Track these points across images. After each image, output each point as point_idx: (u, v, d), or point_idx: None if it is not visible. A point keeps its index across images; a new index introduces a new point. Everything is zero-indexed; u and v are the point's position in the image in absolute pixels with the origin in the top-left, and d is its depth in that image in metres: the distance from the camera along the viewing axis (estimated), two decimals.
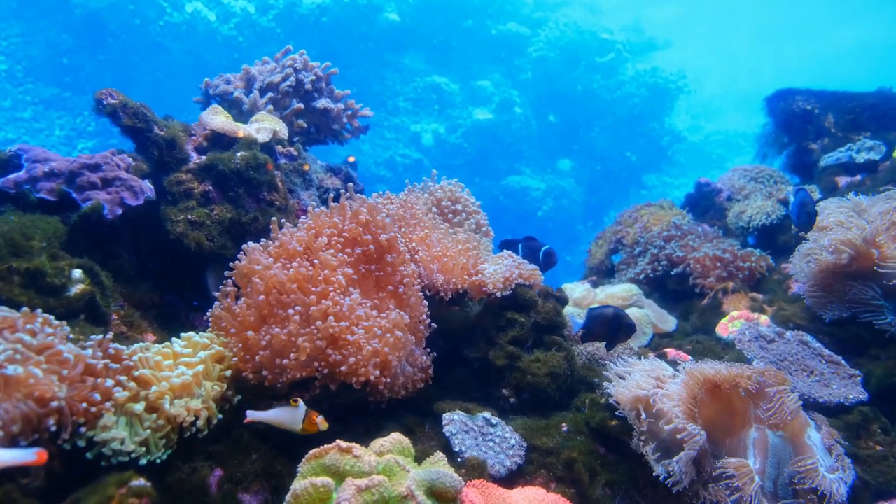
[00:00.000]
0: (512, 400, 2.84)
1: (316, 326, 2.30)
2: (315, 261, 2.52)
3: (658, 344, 3.79)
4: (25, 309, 2.01)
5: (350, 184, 3.09)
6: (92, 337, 2.10)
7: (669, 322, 4.04)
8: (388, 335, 2.40)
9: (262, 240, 2.70)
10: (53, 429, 1.79)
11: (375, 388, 2.39)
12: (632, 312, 4.02)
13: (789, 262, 3.57)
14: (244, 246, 2.62)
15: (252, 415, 2.13)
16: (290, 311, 2.34)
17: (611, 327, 3.07)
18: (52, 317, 2.05)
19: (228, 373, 2.32)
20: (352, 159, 4.23)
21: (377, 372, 2.32)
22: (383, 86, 17.76)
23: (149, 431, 1.99)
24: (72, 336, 2.08)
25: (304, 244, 2.59)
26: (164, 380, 2.12)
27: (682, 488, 2.14)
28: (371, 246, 2.67)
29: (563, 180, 18.73)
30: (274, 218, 2.80)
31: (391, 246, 2.72)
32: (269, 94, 3.80)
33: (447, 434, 2.40)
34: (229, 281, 2.58)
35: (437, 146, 17.56)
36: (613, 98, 18.68)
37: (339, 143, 4.25)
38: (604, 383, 2.60)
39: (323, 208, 2.82)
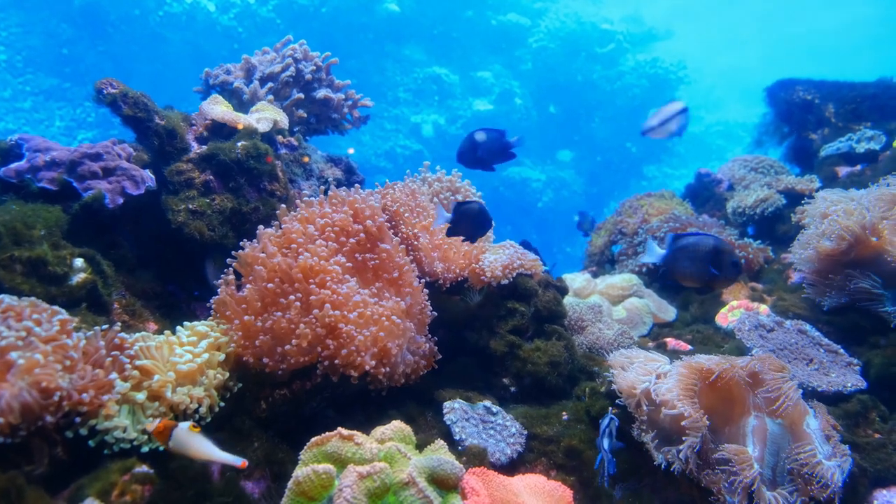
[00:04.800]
0: (512, 388, 2.86)
1: (314, 315, 2.31)
2: (308, 248, 2.53)
3: (658, 334, 3.80)
4: (33, 299, 2.02)
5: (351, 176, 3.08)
6: (96, 327, 2.10)
7: (669, 312, 4.05)
8: (385, 321, 2.41)
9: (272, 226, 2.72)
10: (50, 419, 1.80)
11: (375, 377, 2.40)
12: (632, 302, 4.03)
13: (789, 251, 3.58)
14: (258, 230, 2.63)
15: None
16: (292, 298, 2.35)
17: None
18: (63, 311, 2.06)
19: (222, 356, 2.34)
20: (351, 151, 4.23)
21: (373, 362, 2.33)
22: (383, 77, 17.73)
23: (151, 419, 2.00)
24: (72, 325, 2.09)
25: (300, 234, 2.60)
26: (170, 368, 2.14)
27: (683, 474, 2.16)
28: (362, 234, 2.68)
29: (564, 171, 18.72)
30: (283, 206, 2.81)
31: (381, 233, 2.73)
32: (270, 84, 3.80)
33: (448, 422, 2.41)
34: (231, 269, 2.59)
35: (437, 137, 17.54)
36: (614, 89, 18.64)
37: (339, 133, 4.25)
38: (604, 373, 2.61)
39: (315, 198, 2.82)
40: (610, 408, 2.25)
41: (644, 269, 4.57)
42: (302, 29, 15.88)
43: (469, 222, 2.81)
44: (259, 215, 3.08)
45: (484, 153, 3.05)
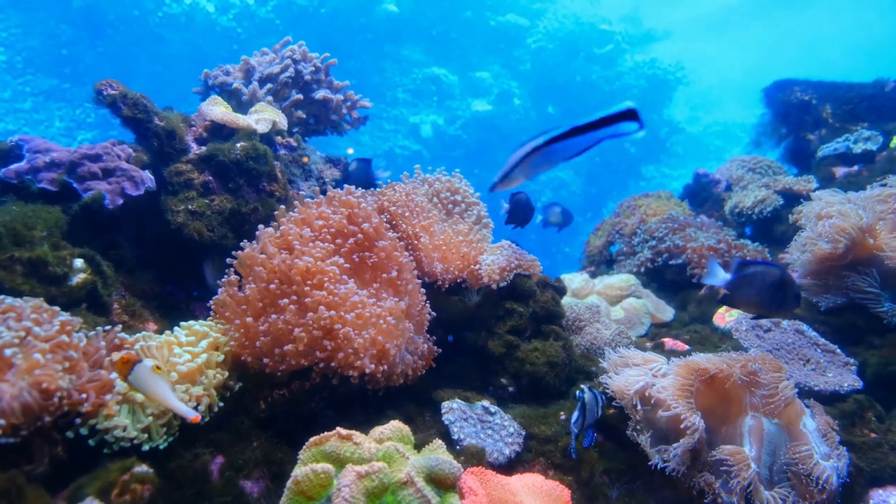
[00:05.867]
0: (511, 388, 2.86)
1: (310, 317, 2.32)
2: (304, 251, 2.53)
3: (656, 334, 3.81)
4: (37, 300, 2.02)
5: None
6: (97, 328, 2.11)
7: (667, 312, 4.06)
8: (382, 322, 2.42)
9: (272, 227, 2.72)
10: (50, 419, 1.81)
11: (373, 377, 2.41)
12: (630, 302, 4.04)
13: (786, 252, 3.59)
14: (259, 229, 2.63)
15: None
16: (286, 301, 2.36)
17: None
18: (64, 312, 2.06)
19: (221, 357, 2.35)
20: (351, 151, 4.25)
21: (373, 365, 2.34)
22: (382, 77, 17.74)
23: (150, 418, 2.01)
24: (70, 327, 2.09)
25: (296, 237, 2.60)
26: (170, 368, 2.14)
27: (678, 475, 2.17)
28: (359, 235, 2.69)
29: (562, 171, 18.71)
30: (283, 207, 2.81)
31: (378, 233, 2.74)
32: (269, 85, 3.81)
33: (446, 422, 2.42)
34: (231, 269, 2.60)
35: (436, 138, 17.54)
36: (612, 89, 18.64)
37: (338, 133, 4.26)
38: (601, 375, 2.62)
39: (311, 199, 2.83)
40: (583, 385, 2.32)
41: (643, 270, 4.59)
42: (301, 30, 15.90)
43: (521, 210, 3.21)
44: (258, 216, 3.09)
45: (352, 181, 3.25)
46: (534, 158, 1.64)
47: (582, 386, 2.29)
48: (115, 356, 1.96)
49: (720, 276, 2.68)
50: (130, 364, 1.86)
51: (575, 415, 2.23)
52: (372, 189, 3.20)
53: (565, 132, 1.62)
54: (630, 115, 1.60)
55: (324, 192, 2.85)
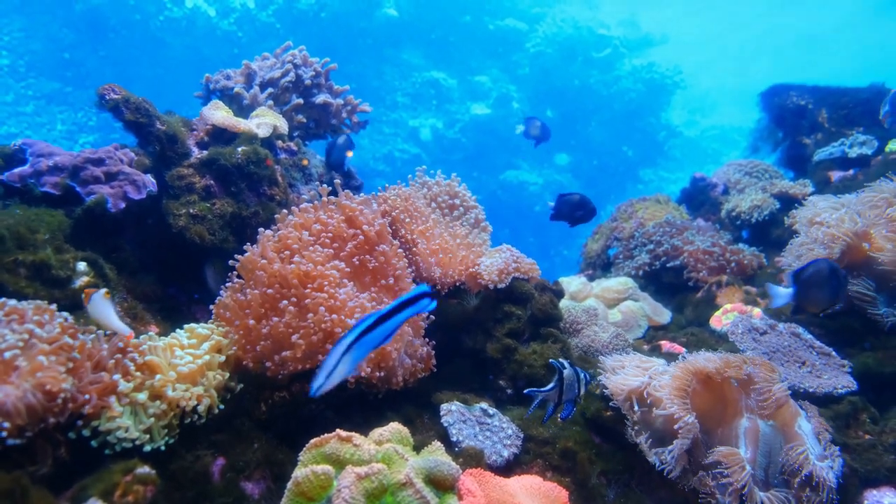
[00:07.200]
0: (509, 391, 2.88)
1: (311, 320, 2.34)
2: (304, 254, 2.55)
3: (653, 336, 3.83)
4: (38, 302, 2.05)
5: (338, 179, 3.11)
6: (99, 331, 2.13)
7: (664, 315, 4.08)
8: None
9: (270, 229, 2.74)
10: (53, 420, 1.83)
11: (371, 380, 2.43)
12: (627, 305, 4.06)
13: (781, 256, 3.62)
14: (260, 232, 2.65)
15: None
16: (285, 303, 2.38)
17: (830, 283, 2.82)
18: (70, 316, 2.09)
19: (223, 358, 2.37)
20: (349, 154, 4.26)
21: (368, 368, 2.36)
22: (382, 81, 17.74)
23: (152, 420, 2.03)
24: (72, 330, 2.11)
25: (295, 240, 2.63)
26: (172, 368, 2.17)
27: (674, 476, 2.19)
28: (361, 237, 2.70)
29: (561, 175, 18.72)
30: (284, 211, 2.83)
31: (381, 237, 2.76)
32: (269, 90, 3.84)
33: (445, 424, 2.44)
34: (233, 273, 2.62)
35: (435, 141, 17.54)
36: (610, 93, 18.65)
37: None
38: (598, 376, 2.65)
39: (308, 204, 2.85)
40: (564, 360, 2.33)
41: (640, 273, 4.61)
42: (301, 34, 15.90)
43: (570, 209, 3.36)
44: (259, 220, 3.12)
45: (334, 155, 3.77)
46: (352, 353, 1.73)
47: (563, 360, 2.29)
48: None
49: (783, 294, 2.87)
50: (89, 295, 2.12)
51: (550, 385, 2.24)
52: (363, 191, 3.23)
53: (374, 321, 1.73)
54: (425, 294, 1.75)
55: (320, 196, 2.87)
